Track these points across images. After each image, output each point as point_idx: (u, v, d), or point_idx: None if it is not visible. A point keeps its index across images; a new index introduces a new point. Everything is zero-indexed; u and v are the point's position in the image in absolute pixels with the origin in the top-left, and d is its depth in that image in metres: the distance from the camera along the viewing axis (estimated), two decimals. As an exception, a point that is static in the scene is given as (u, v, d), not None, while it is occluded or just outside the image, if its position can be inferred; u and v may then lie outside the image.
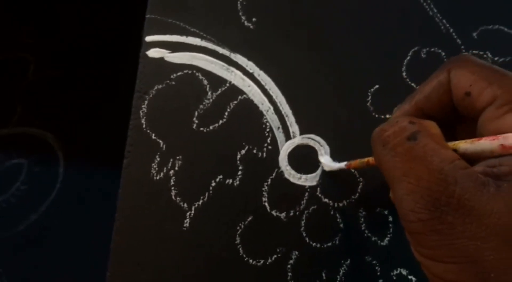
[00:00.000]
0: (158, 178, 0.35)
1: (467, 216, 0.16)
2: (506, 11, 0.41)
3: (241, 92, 0.37)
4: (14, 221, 0.74)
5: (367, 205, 0.35)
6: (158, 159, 0.35)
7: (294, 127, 0.37)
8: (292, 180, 0.35)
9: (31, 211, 0.75)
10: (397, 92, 0.38)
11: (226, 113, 0.37)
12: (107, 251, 0.33)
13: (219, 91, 0.37)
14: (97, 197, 0.77)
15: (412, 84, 0.38)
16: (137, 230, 0.33)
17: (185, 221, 0.34)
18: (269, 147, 0.36)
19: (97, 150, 0.79)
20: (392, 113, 0.25)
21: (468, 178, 0.17)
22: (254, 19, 0.40)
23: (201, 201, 0.34)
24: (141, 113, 0.36)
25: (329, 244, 0.34)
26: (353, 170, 0.35)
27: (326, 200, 0.35)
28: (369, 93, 0.38)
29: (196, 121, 0.36)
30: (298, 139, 0.36)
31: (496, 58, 0.40)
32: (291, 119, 0.37)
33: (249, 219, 0.34)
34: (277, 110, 0.37)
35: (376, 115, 0.37)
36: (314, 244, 0.34)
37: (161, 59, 0.38)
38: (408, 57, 0.39)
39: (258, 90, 0.37)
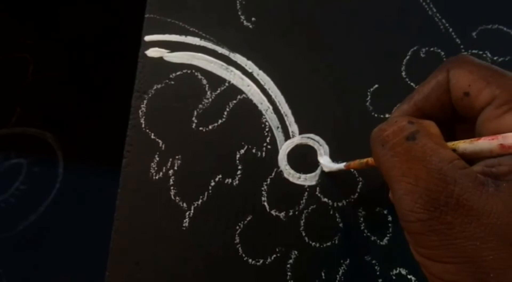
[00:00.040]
0: (157, 177, 0.35)
1: (466, 216, 0.16)
2: (506, 11, 0.41)
3: (240, 91, 0.37)
4: (14, 221, 0.74)
5: (366, 205, 0.35)
6: (157, 159, 0.35)
7: (293, 127, 0.37)
8: (291, 179, 0.35)
9: (30, 211, 0.75)
10: (397, 92, 0.38)
11: (225, 113, 0.37)
12: (106, 250, 0.33)
13: (218, 91, 0.37)
14: (97, 197, 0.77)
15: (412, 83, 0.38)
16: (136, 229, 0.33)
17: (184, 220, 0.34)
18: (269, 147, 0.36)
19: (96, 150, 0.79)
20: (391, 113, 0.25)
21: (467, 177, 0.17)
22: (253, 19, 0.40)
23: (200, 201, 0.34)
24: (140, 113, 0.36)
25: (329, 243, 0.34)
26: (352, 170, 0.35)
27: (325, 199, 0.35)
28: (368, 93, 0.38)
29: (195, 121, 0.36)
30: (297, 139, 0.36)
31: (495, 58, 0.40)
32: (290, 119, 0.37)
33: (249, 218, 0.34)
34: (276, 110, 0.37)
35: (376, 115, 0.37)
36: (313, 243, 0.34)
37: (160, 59, 0.38)
38: (408, 57, 0.39)
39: (257, 90, 0.37)
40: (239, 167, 0.35)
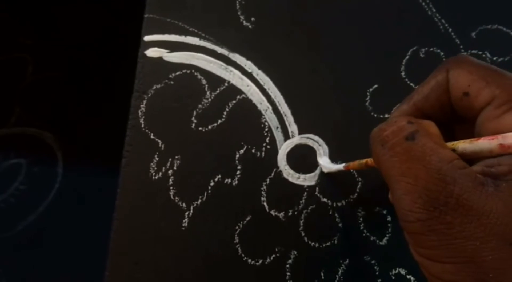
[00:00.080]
0: (156, 177, 0.35)
1: (465, 216, 0.16)
2: (505, 11, 0.41)
3: (240, 92, 0.37)
4: (13, 221, 0.74)
5: (366, 205, 0.35)
6: (157, 159, 0.35)
7: (292, 127, 0.37)
8: (290, 179, 0.35)
9: (30, 211, 0.75)
10: (396, 92, 0.38)
11: (225, 113, 0.37)
12: (105, 250, 0.33)
13: (217, 91, 0.37)
14: (96, 197, 0.76)
15: (411, 84, 0.38)
16: (136, 229, 0.33)
17: (184, 220, 0.34)
18: (268, 147, 0.36)
19: (95, 150, 0.79)
20: (391, 113, 0.25)
21: (466, 177, 0.17)
22: (252, 19, 0.40)
23: (199, 201, 0.34)
24: (140, 113, 0.36)
25: (328, 243, 0.34)
26: (351, 170, 0.35)
27: (325, 199, 0.35)
28: (368, 93, 0.38)
29: (195, 121, 0.36)
30: (296, 139, 0.36)
31: (495, 58, 0.40)
32: (289, 119, 0.37)
33: (248, 218, 0.34)
34: (276, 110, 0.37)
35: (375, 115, 0.37)
36: (312, 243, 0.34)
37: (160, 59, 0.38)
38: (407, 57, 0.39)
39: (257, 90, 0.37)
40: (239, 167, 0.35)
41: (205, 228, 0.34)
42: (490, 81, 0.19)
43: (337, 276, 0.33)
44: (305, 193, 0.35)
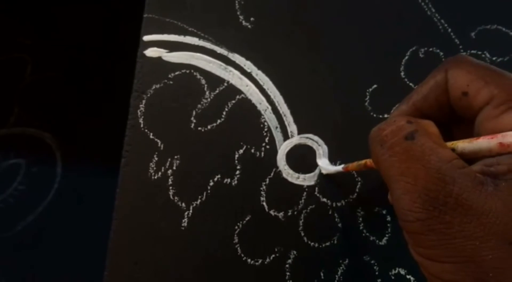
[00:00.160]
0: (156, 177, 0.35)
1: (465, 215, 0.16)
2: (504, 11, 0.41)
3: (239, 91, 0.37)
4: (12, 221, 0.74)
5: (365, 205, 0.35)
6: (156, 159, 0.35)
7: (292, 127, 0.36)
8: (290, 179, 0.35)
9: (29, 211, 0.75)
10: (395, 92, 0.38)
11: (224, 113, 0.37)
12: (105, 250, 0.33)
13: (217, 91, 0.37)
14: (95, 197, 0.76)
15: (410, 84, 0.38)
16: (135, 229, 0.33)
17: (183, 220, 0.34)
18: (267, 147, 0.36)
19: (95, 150, 0.79)
20: (390, 113, 0.25)
21: (466, 177, 0.17)
22: (252, 19, 0.40)
23: (199, 201, 0.34)
24: (139, 113, 0.36)
25: (328, 243, 0.34)
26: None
27: (324, 199, 0.35)
28: (367, 93, 0.38)
29: (194, 121, 0.36)
30: (296, 139, 0.36)
31: (494, 58, 0.40)
32: (289, 119, 0.37)
33: (247, 218, 0.34)
34: (275, 110, 0.37)
35: (374, 115, 0.37)
36: (312, 243, 0.34)
37: (159, 59, 0.38)
38: (406, 57, 0.39)
39: (256, 90, 0.37)
40: (238, 167, 0.35)
41: (205, 228, 0.34)
42: (489, 81, 0.19)
43: (336, 276, 0.33)
44: (305, 193, 0.35)
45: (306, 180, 0.35)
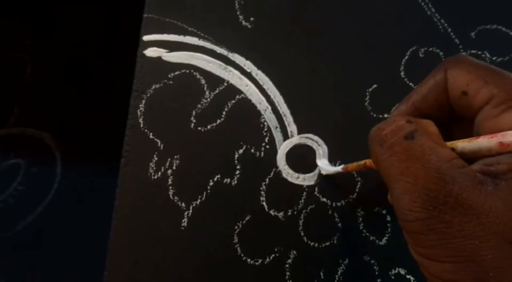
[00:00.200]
0: (155, 177, 0.35)
1: (465, 215, 0.16)
2: (504, 11, 0.41)
3: (239, 91, 0.37)
4: (12, 222, 0.74)
5: (365, 205, 0.35)
6: (156, 158, 0.35)
7: (292, 127, 0.36)
8: (290, 179, 0.35)
9: (29, 211, 0.75)
10: (395, 92, 0.38)
11: (224, 113, 0.37)
12: (104, 250, 0.33)
13: (216, 91, 0.37)
14: (95, 197, 0.76)
15: (410, 83, 0.38)
16: (135, 229, 0.33)
17: (183, 220, 0.34)
18: (267, 147, 0.36)
19: (94, 150, 0.79)
20: (390, 113, 0.25)
21: (465, 176, 0.17)
22: (251, 19, 0.40)
23: (199, 201, 0.34)
24: (139, 113, 0.36)
25: (327, 243, 0.34)
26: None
27: (324, 199, 0.35)
28: (367, 93, 0.38)
29: (194, 121, 0.36)
30: (296, 139, 0.36)
31: (494, 58, 0.40)
32: (289, 119, 0.37)
33: (247, 218, 0.34)
34: (275, 110, 0.37)
35: (374, 115, 0.37)
36: (312, 243, 0.34)
37: (159, 59, 0.38)
38: (406, 57, 0.39)
39: (256, 90, 0.37)
40: (238, 167, 0.35)
41: (205, 227, 0.34)
42: (489, 80, 0.19)
43: (336, 276, 0.33)
44: (305, 193, 0.35)
45: (306, 179, 0.35)
